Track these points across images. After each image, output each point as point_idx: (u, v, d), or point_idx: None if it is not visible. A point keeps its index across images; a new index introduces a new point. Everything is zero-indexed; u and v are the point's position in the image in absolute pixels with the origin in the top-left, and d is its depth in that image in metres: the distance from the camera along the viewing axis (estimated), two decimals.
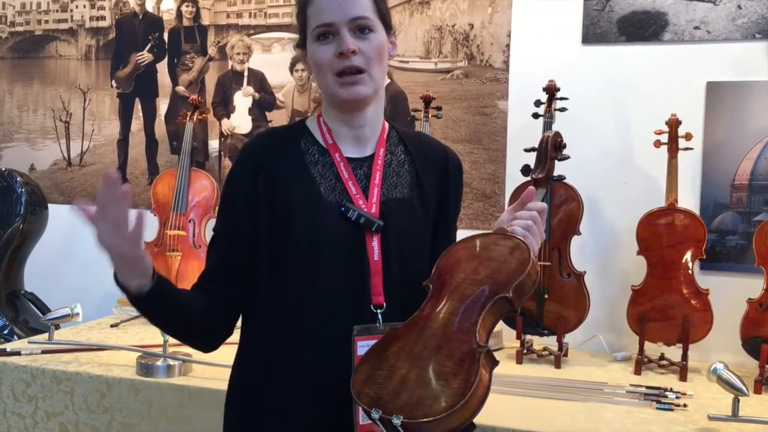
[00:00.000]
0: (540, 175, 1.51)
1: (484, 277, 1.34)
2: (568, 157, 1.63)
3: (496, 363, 1.26)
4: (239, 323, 1.50)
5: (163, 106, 3.31)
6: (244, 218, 1.42)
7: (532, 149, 1.57)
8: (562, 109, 2.45)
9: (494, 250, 1.37)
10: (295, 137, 1.47)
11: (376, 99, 1.45)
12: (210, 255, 1.47)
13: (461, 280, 1.35)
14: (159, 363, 2.16)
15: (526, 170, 1.54)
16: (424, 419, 1.18)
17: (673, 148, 2.38)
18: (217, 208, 1.58)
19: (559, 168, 2.38)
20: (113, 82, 3.40)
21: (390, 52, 1.46)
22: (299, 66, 3.07)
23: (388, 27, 1.44)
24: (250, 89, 3.16)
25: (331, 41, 1.37)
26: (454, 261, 1.39)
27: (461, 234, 1.80)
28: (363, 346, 1.35)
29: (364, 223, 1.40)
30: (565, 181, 2.42)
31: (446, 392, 1.20)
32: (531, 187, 1.47)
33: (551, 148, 1.53)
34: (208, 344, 1.49)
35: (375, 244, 1.40)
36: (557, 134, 1.55)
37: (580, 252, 2.52)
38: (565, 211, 2.43)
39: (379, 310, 1.39)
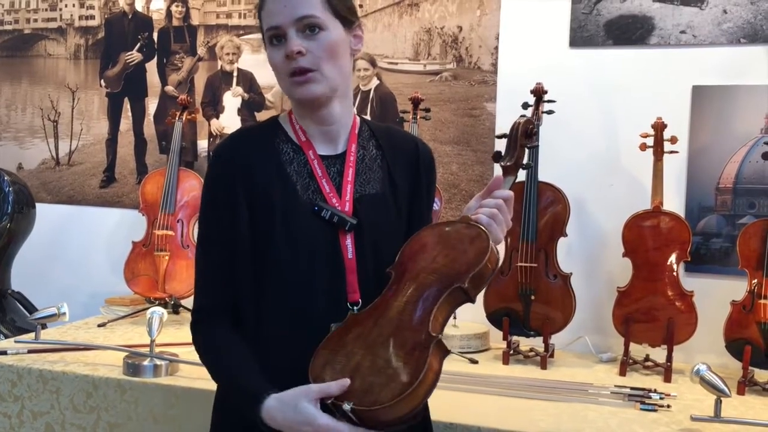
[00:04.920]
0: (509, 163, 1.48)
1: (441, 266, 1.35)
2: (538, 145, 1.59)
3: (447, 353, 1.29)
4: None
5: (152, 105, 3.31)
6: (233, 222, 1.41)
7: (503, 135, 1.54)
8: (550, 112, 2.47)
9: (455, 239, 1.38)
10: (268, 136, 1.48)
11: (341, 96, 1.45)
12: (212, 273, 1.44)
13: (420, 268, 1.37)
14: (146, 363, 2.16)
15: (497, 156, 1.51)
16: (373, 406, 1.22)
17: (658, 151, 2.39)
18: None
19: (545, 170, 2.42)
20: (102, 81, 3.39)
21: (353, 47, 1.45)
22: None
23: (348, 21, 1.43)
24: (240, 89, 3.16)
25: (282, 44, 1.38)
26: (416, 248, 1.41)
27: None
28: None
29: (338, 222, 1.41)
30: (551, 183, 2.45)
31: (395, 380, 1.23)
32: (499, 175, 1.47)
33: (521, 135, 1.49)
34: None
35: (349, 242, 1.42)
36: (528, 121, 1.50)
37: (566, 254, 2.54)
38: (551, 213, 2.45)
39: (355, 307, 1.41)
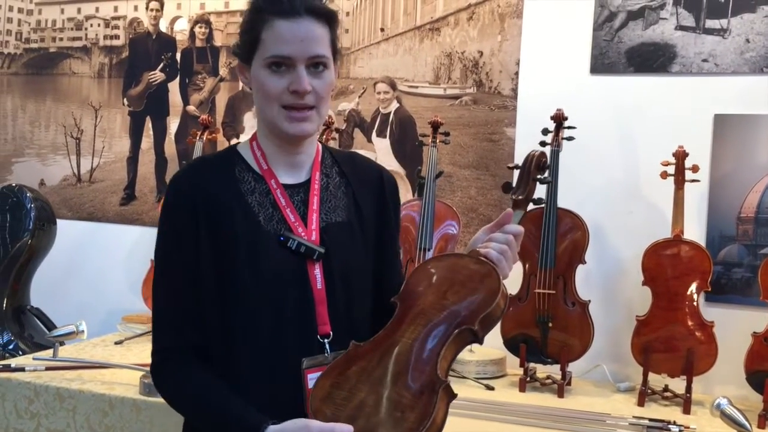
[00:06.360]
0: (520, 197, 1.45)
1: (451, 303, 1.33)
2: (551, 181, 1.55)
3: (453, 396, 1.26)
4: None
5: (173, 124, 3.34)
6: (197, 254, 1.35)
7: (516, 167, 1.52)
8: (570, 138, 2.46)
9: (465, 276, 1.35)
10: (228, 165, 1.42)
11: None
12: (177, 309, 1.37)
13: (428, 304, 1.34)
14: None
15: (506, 188, 1.47)
16: None
17: (679, 179, 2.38)
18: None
19: (565, 196, 2.41)
20: (125, 100, 3.43)
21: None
22: None
23: (337, 57, 1.42)
24: None
25: (284, 73, 1.34)
26: (424, 281, 1.38)
27: None
28: (313, 379, 1.33)
29: (305, 251, 1.37)
30: (570, 209, 2.44)
31: (402, 425, 1.20)
32: (509, 209, 1.44)
33: (535, 168, 1.46)
34: None
35: (317, 272, 1.37)
36: (542, 153, 1.48)
37: (584, 281, 2.52)
38: (570, 239, 2.43)
39: (326, 340, 1.37)
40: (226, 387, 1.33)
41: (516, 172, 1.50)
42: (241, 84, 3.21)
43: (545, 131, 2.47)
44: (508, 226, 1.41)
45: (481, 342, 1.32)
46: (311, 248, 1.37)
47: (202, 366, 1.37)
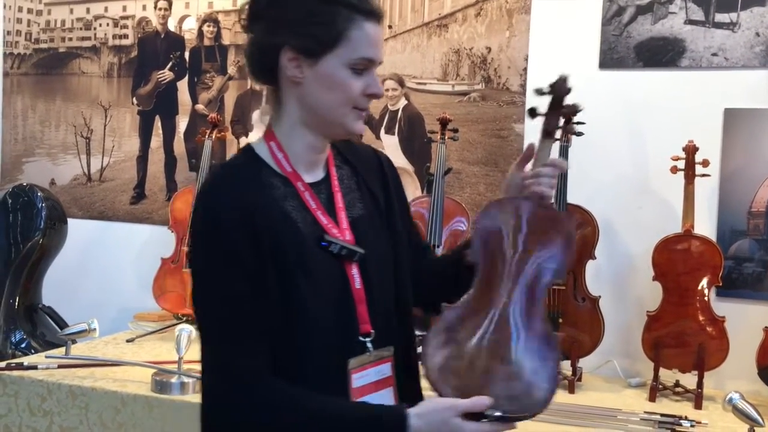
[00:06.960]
0: (550, 126, 1.47)
1: (536, 252, 1.34)
2: (580, 110, 1.53)
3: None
4: None
5: (182, 123, 3.35)
6: (255, 266, 1.29)
7: (541, 92, 1.47)
8: (579, 134, 2.45)
9: (536, 221, 1.37)
10: (254, 171, 1.36)
11: None
12: (248, 332, 1.29)
13: (512, 256, 1.34)
14: (173, 380, 2.18)
15: (533, 113, 1.48)
16: (524, 413, 1.20)
17: (690, 174, 2.37)
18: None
19: (574, 191, 2.41)
20: (134, 99, 3.45)
21: None
22: None
23: None
24: (269, 108, 3.18)
25: (362, 75, 1.32)
26: (497, 231, 1.38)
27: None
28: (357, 378, 1.33)
29: (346, 254, 1.35)
30: (580, 204, 2.43)
31: (538, 383, 1.22)
32: (531, 143, 1.46)
33: (566, 93, 1.47)
34: None
35: (355, 272, 1.36)
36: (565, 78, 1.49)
37: (595, 276, 2.51)
38: (580, 235, 2.42)
39: (367, 339, 1.36)
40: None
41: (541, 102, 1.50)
42: (249, 82, 3.22)
43: None
44: (555, 159, 1.44)
45: (564, 279, 1.36)
46: (352, 251, 1.36)
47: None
